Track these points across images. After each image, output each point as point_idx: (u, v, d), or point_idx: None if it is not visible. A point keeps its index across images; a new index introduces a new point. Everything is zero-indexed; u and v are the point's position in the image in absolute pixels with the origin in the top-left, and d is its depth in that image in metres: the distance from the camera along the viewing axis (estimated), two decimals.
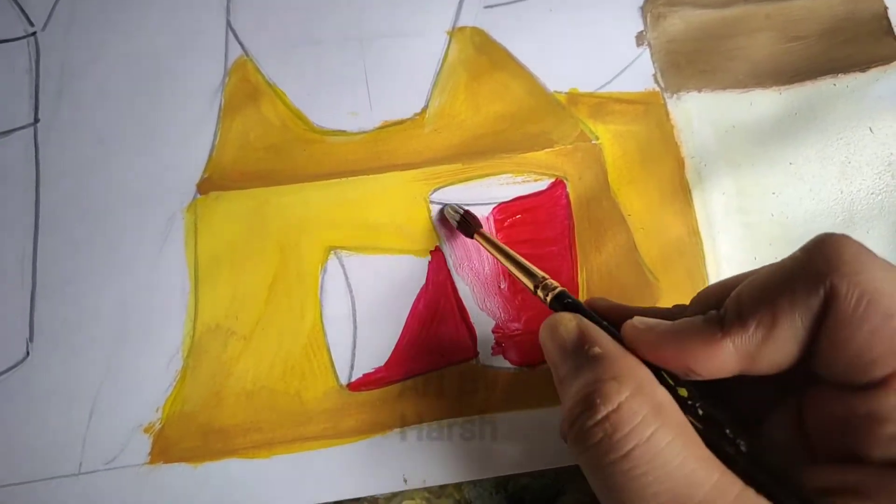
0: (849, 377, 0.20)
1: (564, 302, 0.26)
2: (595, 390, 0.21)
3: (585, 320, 0.24)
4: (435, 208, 0.34)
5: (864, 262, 0.20)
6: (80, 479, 0.31)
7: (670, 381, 0.22)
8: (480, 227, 0.32)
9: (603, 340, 0.23)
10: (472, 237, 0.32)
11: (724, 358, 0.21)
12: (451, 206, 0.34)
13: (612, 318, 0.25)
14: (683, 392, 0.22)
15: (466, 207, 0.33)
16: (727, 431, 0.21)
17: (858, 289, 0.19)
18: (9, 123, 0.35)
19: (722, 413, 0.21)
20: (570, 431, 0.21)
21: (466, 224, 0.32)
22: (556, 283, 0.27)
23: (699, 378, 0.22)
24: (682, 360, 0.22)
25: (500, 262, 0.31)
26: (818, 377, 0.21)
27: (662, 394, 0.21)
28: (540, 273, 0.28)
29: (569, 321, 0.24)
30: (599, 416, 0.20)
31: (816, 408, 0.22)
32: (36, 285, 0.33)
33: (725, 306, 0.22)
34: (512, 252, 0.30)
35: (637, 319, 0.23)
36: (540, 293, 0.27)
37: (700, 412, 0.21)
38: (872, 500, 0.19)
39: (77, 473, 0.31)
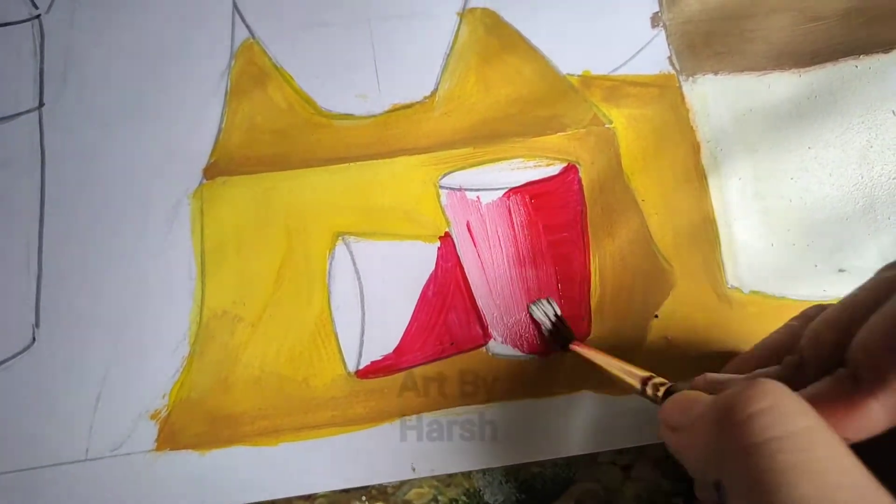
0: None
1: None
2: (752, 386, 0.19)
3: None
4: (444, 193, 0.34)
5: None
6: (87, 465, 0.31)
7: None
8: (574, 337, 0.31)
9: None
10: (567, 350, 0.31)
11: (872, 418, 0.20)
12: (544, 305, 0.32)
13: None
14: None
15: (559, 315, 0.32)
16: None
17: None
18: (13, 107, 0.34)
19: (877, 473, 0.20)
20: (721, 407, 0.20)
21: (559, 335, 0.31)
22: (663, 379, 0.26)
23: (849, 442, 0.20)
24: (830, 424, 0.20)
25: (601, 368, 0.29)
26: None
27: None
28: (643, 372, 0.27)
29: (698, 394, 0.23)
30: (766, 388, 0.19)
31: None
32: (42, 271, 0.33)
33: (854, 361, 0.20)
34: (611, 358, 0.29)
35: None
36: (649, 391, 0.26)
37: None
38: None
39: (84, 460, 0.31)
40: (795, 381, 0.21)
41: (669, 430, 0.23)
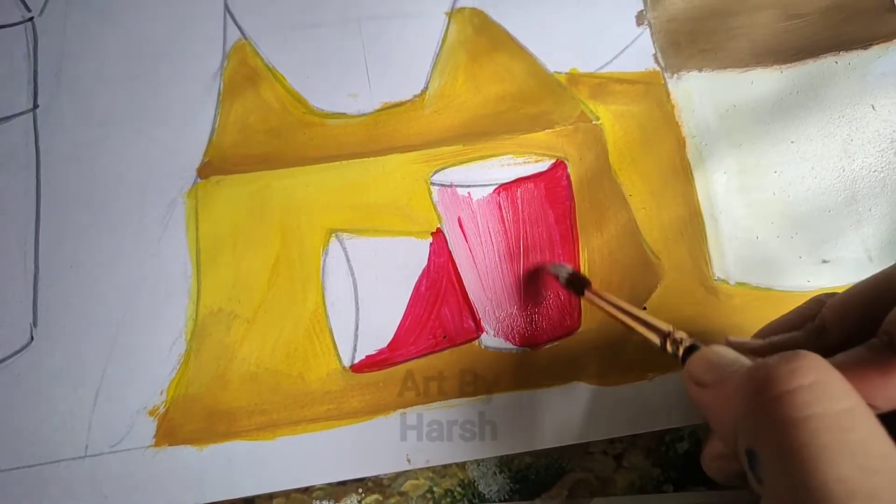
0: None
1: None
2: (794, 359, 0.19)
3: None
4: (435, 190, 0.34)
5: None
6: (87, 461, 0.31)
7: None
8: (590, 284, 0.31)
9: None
10: (582, 295, 0.31)
11: None
12: (557, 266, 0.33)
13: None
14: None
15: (571, 268, 0.33)
16: None
17: None
18: (8, 109, 0.35)
19: None
20: (758, 381, 0.19)
21: (576, 282, 0.31)
22: (684, 334, 0.25)
23: (879, 411, 0.20)
24: (862, 393, 0.19)
25: (617, 319, 0.28)
26: None
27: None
28: (665, 325, 0.26)
29: (727, 350, 0.22)
30: (807, 381, 0.18)
31: None
32: (38, 271, 0.33)
33: (888, 332, 0.21)
34: (629, 307, 0.28)
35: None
36: (669, 347, 0.26)
37: None
38: None
39: (83, 456, 0.31)
40: (816, 348, 0.20)
41: (696, 387, 0.22)
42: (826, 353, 0.20)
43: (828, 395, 0.18)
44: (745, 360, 0.21)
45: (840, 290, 0.25)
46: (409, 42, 0.36)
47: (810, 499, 0.17)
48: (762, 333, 0.27)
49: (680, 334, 0.25)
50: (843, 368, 0.19)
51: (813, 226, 0.35)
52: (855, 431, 0.17)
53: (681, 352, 0.25)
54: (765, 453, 0.18)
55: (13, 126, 0.35)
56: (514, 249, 0.34)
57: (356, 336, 0.33)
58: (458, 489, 0.32)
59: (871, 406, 0.19)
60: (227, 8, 0.36)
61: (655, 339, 0.26)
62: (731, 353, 0.22)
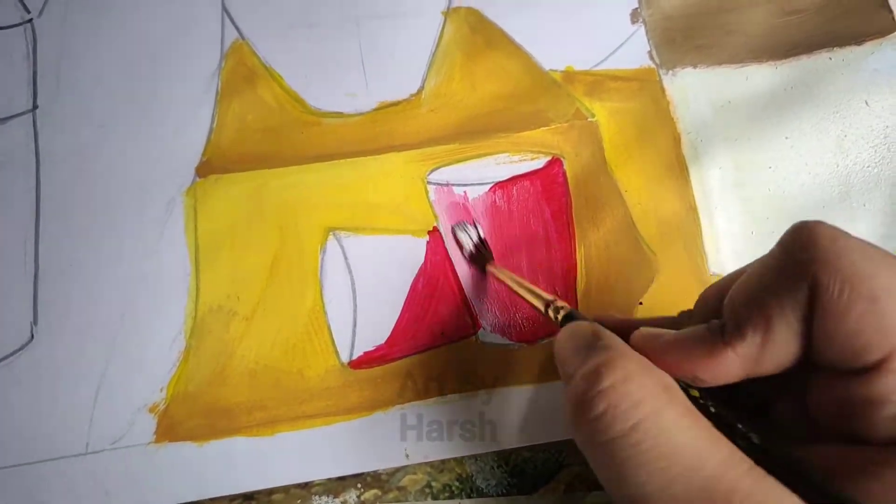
0: (845, 363, 0.20)
1: (574, 320, 0.26)
2: (603, 363, 0.21)
3: (599, 326, 0.24)
4: (432, 188, 0.35)
5: (842, 247, 0.20)
6: (88, 458, 0.31)
7: (681, 384, 0.22)
8: (492, 259, 0.33)
9: (615, 340, 0.23)
10: (485, 271, 0.33)
11: (728, 365, 0.21)
12: (464, 228, 0.33)
13: (620, 332, 0.24)
14: (695, 393, 0.22)
15: (481, 236, 0.33)
16: (739, 426, 0.21)
17: (839, 276, 0.19)
18: (8, 110, 0.35)
19: (732, 410, 0.21)
20: (572, 407, 0.21)
21: (479, 256, 0.33)
22: (564, 304, 0.27)
23: (705, 385, 0.22)
24: (689, 368, 0.22)
25: (513, 290, 0.30)
26: (818, 364, 0.21)
27: (669, 379, 0.21)
28: (548, 295, 0.28)
29: (585, 326, 0.24)
30: (606, 385, 0.20)
31: (819, 394, 0.22)
32: (39, 269, 0.33)
33: (724, 315, 0.22)
34: (521, 279, 0.30)
35: (644, 329, 0.24)
36: (551, 314, 0.27)
37: (712, 409, 0.21)
38: (878, 479, 0.19)
39: (84, 453, 0.31)
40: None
41: (560, 368, 0.23)
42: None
43: (621, 416, 0.19)
44: (605, 344, 0.22)
45: None
46: (406, 41, 0.37)
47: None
48: (700, 306, 0.28)
49: (561, 303, 0.27)
50: (677, 343, 0.22)
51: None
52: (644, 442, 0.19)
53: (560, 319, 0.27)
54: (593, 467, 0.21)
55: (13, 126, 0.35)
56: (510, 247, 0.34)
57: (354, 333, 0.33)
58: (457, 484, 0.32)
59: (700, 381, 0.22)
60: (224, 8, 0.37)
61: (541, 307, 0.28)
62: (586, 332, 0.23)
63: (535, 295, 0.29)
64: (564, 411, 0.23)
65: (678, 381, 0.22)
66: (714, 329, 0.22)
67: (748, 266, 0.23)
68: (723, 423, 0.21)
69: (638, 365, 0.21)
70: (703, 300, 0.25)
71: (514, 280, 0.30)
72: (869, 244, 0.20)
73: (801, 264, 0.20)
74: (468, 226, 0.33)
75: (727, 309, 0.22)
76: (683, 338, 0.22)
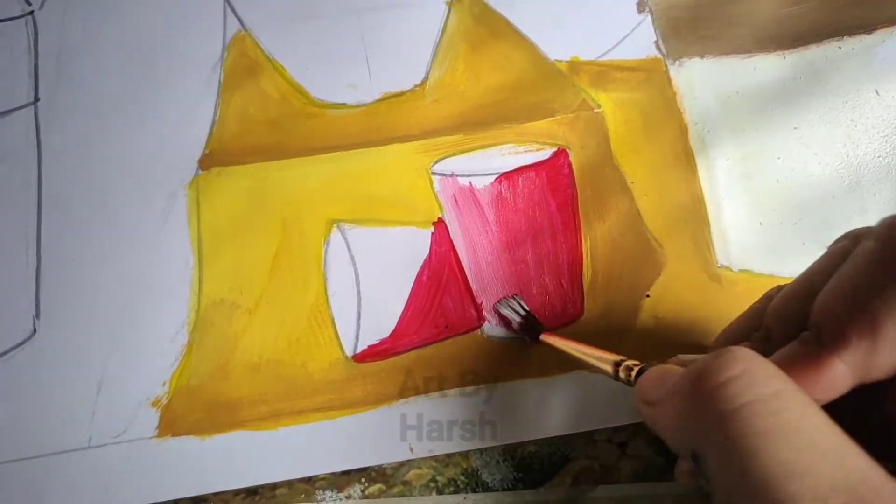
0: None
1: None
2: (722, 354, 0.19)
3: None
4: (436, 179, 0.34)
5: None
6: (90, 452, 0.31)
7: None
8: (544, 328, 0.31)
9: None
10: (537, 342, 0.31)
11: (837, 376, 0.20)
12: (507, 304, 0.32)
13: None
14: None
15: (528, 309, 0.32)
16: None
17: None
18: (9, 103, 0.35)
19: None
20: (694, 377, 0.20)
21: (530, 327, 0.31)
22: (634, 361, 0.26)
23: (819, 403, 0.20)
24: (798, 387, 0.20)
25: (573, 356, 0.29)
26: None
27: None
28: (615, 356, 0.27)
29: (671, 365, 0.23)
30: (739, 354, 0.19)
31: None
32: (41, 263, 0.33)
33: (816, 324, 0.21)
34: (580, 345, 0.29)
35: None
36: (622, 374, 0.26)
37: None
38: None
39: (87, 447, 0.31)
40: (764, 355, 0.20)
41: (646, 406, 0.22)
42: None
43: (756, 382, 0.18)
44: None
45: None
46: (409, 32, 0.36)
47: (752, 485, 0.17)
48: (716, 343, 0.28)
49: (630, 361, 0.26)
50: (779, 366, 0.19)
51: (816, 212, 0.35)
52: (786, 412, 0.17)
53: (633, 377, 0.25)
54: (707, 451, 0.19)
55: (14, 119, 0.35)
56: (516, 239, 0.34)
57: (358, 326, 0.33)
58: (462, 478, 0.32)
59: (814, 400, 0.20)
60: None
61: (609, 369, 0.26)
62: (676, 370, 0.22)
63: (599, 358, 0.27)
64: (641, 393, 0.22)
65: None
66: (810, 341, 0.21)
67: (811, 269, 0.21)
68: None
69: (757, 357, 0.19)
70: (778, 316, 0.24)
71: (574, 347, 0.29)
72: None
73: None
74: (510, 300, 0.32)
75: (822, 316, 0.21)
76: (781, 359, 0.21)
